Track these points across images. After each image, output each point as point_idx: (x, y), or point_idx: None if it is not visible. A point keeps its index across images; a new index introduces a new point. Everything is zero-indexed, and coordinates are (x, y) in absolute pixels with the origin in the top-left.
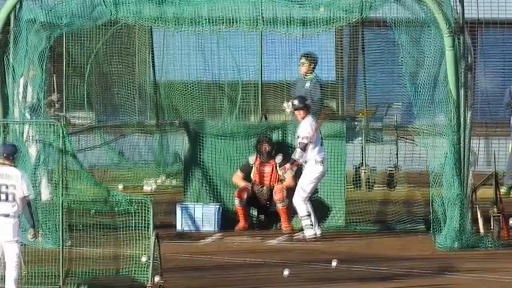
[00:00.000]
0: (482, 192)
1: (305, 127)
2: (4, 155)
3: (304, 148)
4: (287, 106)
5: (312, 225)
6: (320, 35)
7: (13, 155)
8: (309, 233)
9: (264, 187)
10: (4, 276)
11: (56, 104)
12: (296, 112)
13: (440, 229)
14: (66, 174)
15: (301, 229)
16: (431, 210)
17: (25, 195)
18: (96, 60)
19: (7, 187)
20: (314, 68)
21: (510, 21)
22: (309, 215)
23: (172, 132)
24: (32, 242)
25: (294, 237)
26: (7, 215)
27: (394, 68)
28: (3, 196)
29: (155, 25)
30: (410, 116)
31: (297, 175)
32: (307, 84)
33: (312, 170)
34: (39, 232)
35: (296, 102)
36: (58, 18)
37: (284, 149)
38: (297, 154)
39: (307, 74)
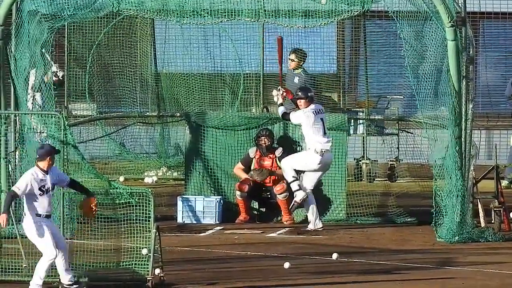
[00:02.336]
0: (483, 185)
1: (298, 115)
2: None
3: (284, 114)
4: (276, 94)
5: (299, 188)
6: (322, 27)
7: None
8: (299, 196)
9: (264, 170)
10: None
11: (59, 76)
12: (297, 101)
13: (441, 222)
14: (67, 165)
15: (301, 222)
16: (434, 203)
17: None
18: (97, 51)
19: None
20: (302, 63)
21: None
22: (296, 179)
23: (173, 124)
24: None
25: (301, 229)
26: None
27: (396, 60)
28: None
29: (157, 17)
30: (412, 108)
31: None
32: (296, 80)
33: (308, 155)
34: None
35: (299, 92)
36: (60, 9)
37: (285, 141)
38: (281, 109)
39: (295, 69)
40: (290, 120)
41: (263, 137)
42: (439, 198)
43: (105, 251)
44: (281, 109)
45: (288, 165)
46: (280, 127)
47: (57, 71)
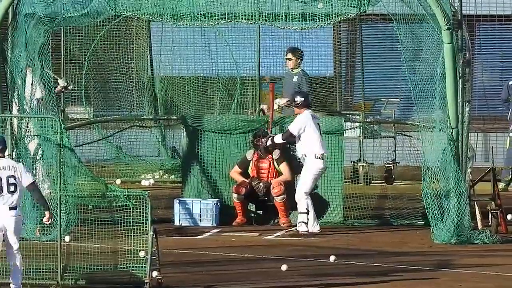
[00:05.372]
0: (480, 187)
1: (298, 122)
2: (0, 147)
3: (286, 138)
4: (276, 102)
5: (306, 222)
6: (318, 30)
7: (5, 146)
8: (302, 228)
9: (261, 183)
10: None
11: (67, 88)
12: (295, 106)
13: (438, 224)
14: (64, 169)
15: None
16: (425, 205)
17: (32, 181)
18: (94, 54)
19: (14, 178)
20: (300, 62)
21: (508, 16)
22: (307, 212)
23: (170, 127)
24: (48, 226)
25: (287, 233)
26: (15, 208)
27: (392, 62)
28: (12, 188)
29: (154, 19)
30: (408, 110)
31: (297, 170)
32: (295, 79)
33: (312, 164)
34: (38, 227)
35: (297, 96)
36: (57, 12)
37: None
38: (277, 137)
39: (293, 69)
40: (294, 136)
41: (260, 138)
42: (432, 201)
43: (102, 253)
44: (278, 138)
45: (302, 194)
46: (276, 129)
47: (65, 85)
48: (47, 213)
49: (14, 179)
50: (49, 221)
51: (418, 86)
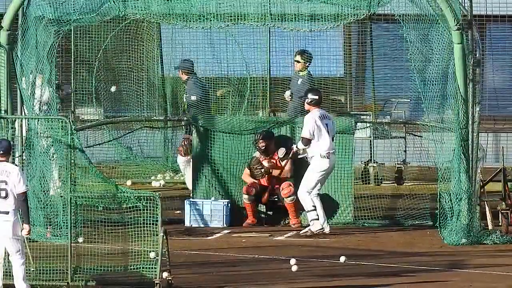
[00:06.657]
0: (491, 187)
1: (306, 124)
2: (1, 151)
3: (306, 144)
4: (287, 96)
5: (318, 219)
6: (328, 31)
7: (8, 151)
8: (315, 227)
9: (263, 169)
10: (12, 273)
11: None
12: (305, 103)
13: (449, 225)
14: (74, 170)
15: (309, 225)
16: (438, 206)
17: (24, 190)
18: (104, 56)
19: (6, 184)
20: (308, 65)
21: None
22: (315, 209)
23: (180, 128)
24: (27, 237)
25: (300, 233)
26: (6, 213)
27: (402, 63)
28: (3, 193)
29: (163, 21)
30: (419, 111)
31: (301, 168)
32: (299, 81)
33: (317, 164)
34: (48, 228)
35: (308, 94)
36: (66, 14)
37: (289, 143)
38: (300, 144)
39: (300, 71)
40: (310, 139)
41: (258, 141)
42: (444, 201)
43: (112, 255)
44: (300, 145)
45: (304, 192)
46: (286, 130)
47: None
48: (26, 226)
49: (6, 184)
50: (27, 235)
51: (428, 87)
